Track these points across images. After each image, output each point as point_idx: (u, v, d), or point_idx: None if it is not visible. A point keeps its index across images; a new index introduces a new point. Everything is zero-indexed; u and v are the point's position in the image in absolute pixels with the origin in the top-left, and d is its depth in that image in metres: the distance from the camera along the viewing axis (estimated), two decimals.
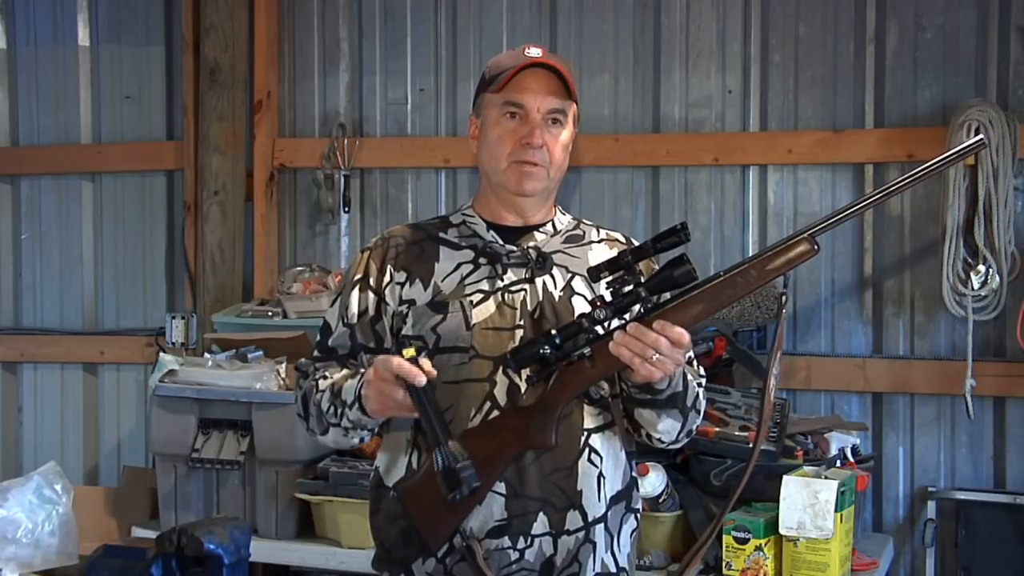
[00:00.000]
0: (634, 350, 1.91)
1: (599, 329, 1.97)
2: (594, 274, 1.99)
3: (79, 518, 3.66)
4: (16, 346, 4.60)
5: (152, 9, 4.45)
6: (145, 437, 4.32)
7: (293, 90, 4.29)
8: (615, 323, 1.97)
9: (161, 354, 3.78)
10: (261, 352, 3.71)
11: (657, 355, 1.90)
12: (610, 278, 1.97)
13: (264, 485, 3.49)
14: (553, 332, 1.97)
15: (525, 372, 2.02)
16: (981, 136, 1.84)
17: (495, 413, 2.03)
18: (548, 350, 1.96)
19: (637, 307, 1.97)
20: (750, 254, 3.70)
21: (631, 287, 1.95)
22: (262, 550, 3.34)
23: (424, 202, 4.14)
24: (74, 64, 4.52)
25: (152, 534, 3.16)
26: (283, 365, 3.62)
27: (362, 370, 2.07)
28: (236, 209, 4.23)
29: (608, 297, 1.96)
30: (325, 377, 2.12)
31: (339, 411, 2.05)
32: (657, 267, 2.10)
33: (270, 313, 3.95)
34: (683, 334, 1.91)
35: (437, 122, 4.13)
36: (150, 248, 4.47)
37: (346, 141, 4.15)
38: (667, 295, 1.98)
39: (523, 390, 2.02)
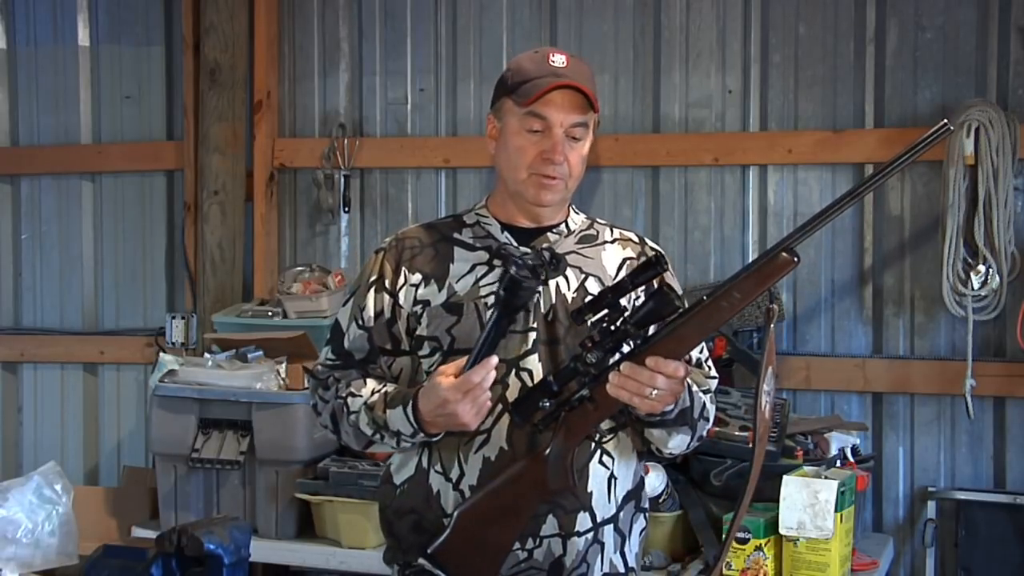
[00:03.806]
0: (632, 390, 1.91)
1: (595, 369, 1.96)
2: (578, 317, 1.98)
3: (79, 518, 3.65)
4: (16, 346, 4.60)
5: (152, 9, 4.45)
6: (145, 437, 4.32)
7: (293, 90, 4.29)
8: (611, 360, 1.96)
9: (161, 354, 3.78)
10: (261, 352, 3.71)
11: (655, 391, 1.90)
12: (595, 318, 1.96)
13: (264, 485, 3.49)
14: (550, 379, 1.97)
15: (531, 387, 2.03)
16: (945, 120, 1.81)
17: (506, 417, 2.03)
18: (547, 402, 1.96)
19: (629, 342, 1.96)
20: (750, 254, 3.74)
21: (617, 325, 1.94)
22: (262, 550, 3.34)
23: (424, 202, 4.14)
24: (74, 64, 4.52)
25: (152, 534, 3.16)
26: (283, 365, 3.62)
27: (391, 392, 2.08)
28: (236, 209, 4.23)
29: (597, 337, 1.95)
30: (353, 395, 2.11)
31: (394, 440, 2.06)
32: (671, 282, 2.10)
33: (270, 313, 3.95)
34: (678, 368, 1.91)
35: (437, 122, 4.13)
36: (150, 248, 4.47)
37: (346, 141, 4.15)
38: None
39: (536, 413, 2.01)
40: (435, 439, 2.04)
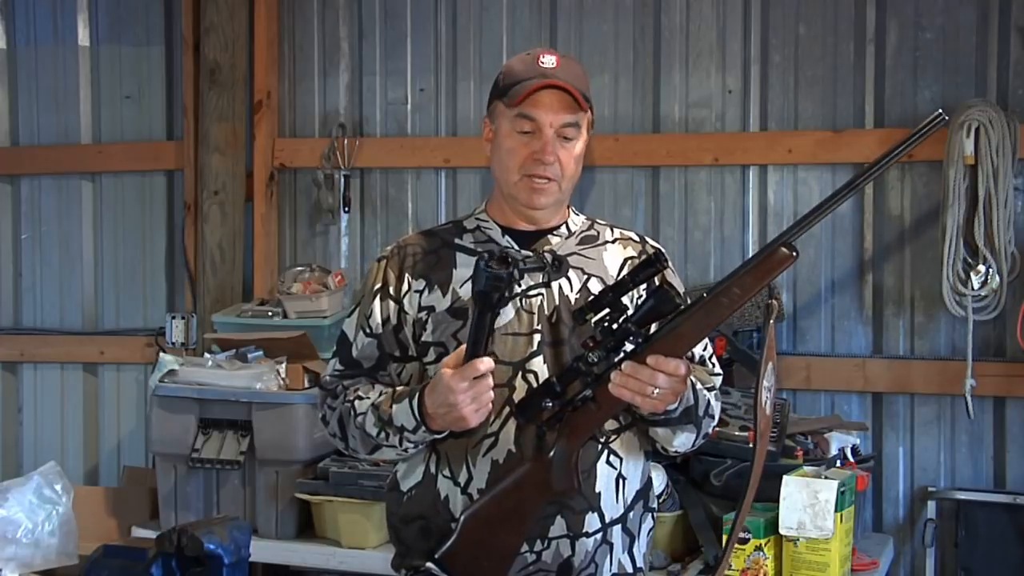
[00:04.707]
0: (633, 389, 1.91)
1: (597, 369, 1.96)
2: (579, 316, 1.99)
3: (79, 518, 3.65)
4: (16, 346, 4.60)
5: (152, 9, 4.45)
6: (145, 437, 4.31)
7: (293, 90, 4.29)
8: (614, 359, 1.96)
9: (161, 354, 3.78)
10: (261, 352, 3.71)
11: (657, 390, 1.90)
12: (596, 317, 1.96)
13: (264, 485, 3.49)
14: (553, 380, 1.97)
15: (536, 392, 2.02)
16: (940, 111, 1.82)
17: (513, 419, 2.03)
18: (551, 402, 1.97)
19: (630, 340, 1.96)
20: (750, 254, 3.74)
21: (619, 323, 1.94)
22: (262, 550, 3.34)
23: (424, 202, 4.14)
24: (74, 64, 4.52)
25: (152, 534, 3.16)
26: (283, 365, 3.62)
27: (399, 389, 2.08)
28: (236, 209, 4.23)
29: (599, 337, 1.95)
30: (360, 398, 2.11)
31: (397, 436, 2.05)
32: (672, 280, 2.10)
33: (270, 313, 3.95)
34: (679, 365, 1.90)
35: (437, 122, 4.13)
36: (150, 248, 4.47)
37: (346, 141, 4.15)
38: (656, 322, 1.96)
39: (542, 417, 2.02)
40: (437, 436, 2.04)
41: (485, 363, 1.94)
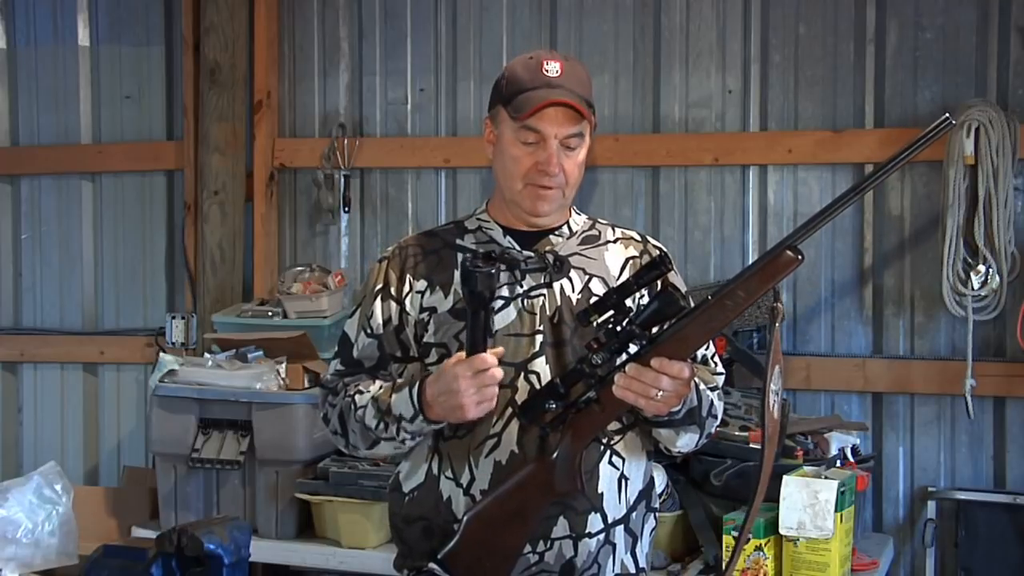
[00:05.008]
0: (637, 391, 1.91)
1: (601, 371, 1.96)
2: (584, 318, 1.99)
3: (79, 518, 3.65)
4: (16, 346, 4.60)
5: (152, 9, 4.45)
6: (145, 437, 4.32)
7: (293, 90, 4.29)
8: (617, 361, 1.96)
9: (161, 354, 3.78)
10: (261, 352, 3.71)
11: (661, 392, 1.90)
12: (600, 319, 1.96)
13: (264, 485, 3.49)
14: (557, 381, 1.97)
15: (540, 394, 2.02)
16: (947, 115, 1.80)
17: (516, 420, 2.03)
18: (554, 404, 1.97)
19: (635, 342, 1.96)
20: (750, 254, 3.74)
21: (623, 326, 1.94)
22: (262, 550, 3.34)
23: (424, 202, 4.14)
24: (74, 64, 4.52)
25: (152, 534, 3.16)
26: (283, 365, 3.62)
27: (400, 380, 2.08)
28: (236, 209, 4.23)
29: (603, 339, 1.95)
30: (360, 392, 2.11)
31: (395, 426, 2.05)
32: (675, 282, 2.10)
33: (270, 313, 3.95)
34: (683, 368, 1.90)
35: (437, 122, 4.13)
36: (150, 248, 4.47)
37: (346, 141, 4.15)
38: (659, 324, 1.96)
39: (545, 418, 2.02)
40: (435, 427, 2.04)
41: (493, 356, 1.94)
